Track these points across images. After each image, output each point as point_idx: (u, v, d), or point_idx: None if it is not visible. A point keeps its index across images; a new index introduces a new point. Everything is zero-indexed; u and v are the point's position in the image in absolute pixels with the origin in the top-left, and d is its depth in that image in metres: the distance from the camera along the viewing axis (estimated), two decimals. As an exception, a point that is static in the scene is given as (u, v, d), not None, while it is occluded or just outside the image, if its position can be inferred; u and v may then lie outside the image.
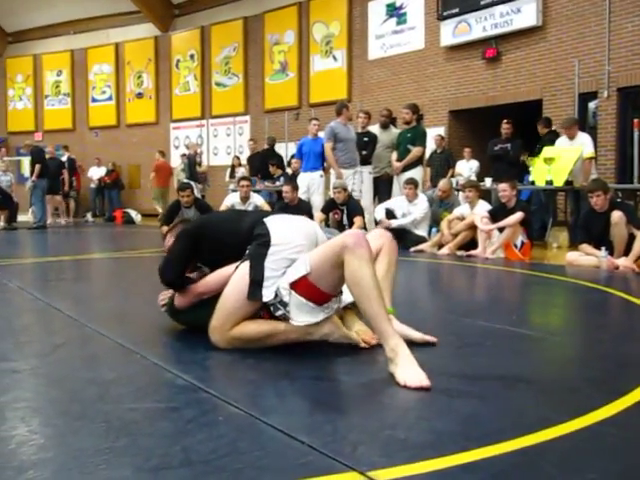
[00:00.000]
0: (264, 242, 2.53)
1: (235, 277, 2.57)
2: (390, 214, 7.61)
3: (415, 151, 8.23)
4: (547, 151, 7.86)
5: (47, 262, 6.65)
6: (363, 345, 2.60)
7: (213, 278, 2.72)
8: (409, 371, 2.11)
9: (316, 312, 2.44)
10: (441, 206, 7.67)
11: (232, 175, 12.97)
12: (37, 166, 11.69)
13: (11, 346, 2.78)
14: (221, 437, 1.66)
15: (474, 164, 9.60)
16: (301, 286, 2.39)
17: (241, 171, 12.80)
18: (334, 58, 13.69)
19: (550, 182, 7.60)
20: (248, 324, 2.56)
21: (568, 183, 7.67)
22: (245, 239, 2.65)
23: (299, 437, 1.64)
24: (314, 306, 2.42)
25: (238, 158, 13.50)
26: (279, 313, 2.47)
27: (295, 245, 2.53)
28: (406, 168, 8.27)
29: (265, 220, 2.65)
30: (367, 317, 2.30)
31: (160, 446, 1.60)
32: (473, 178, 9.30)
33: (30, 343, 2.87)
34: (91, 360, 2.55)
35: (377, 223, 7.81)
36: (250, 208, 8.14)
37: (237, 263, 2.62)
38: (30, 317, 3.57)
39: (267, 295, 2.46)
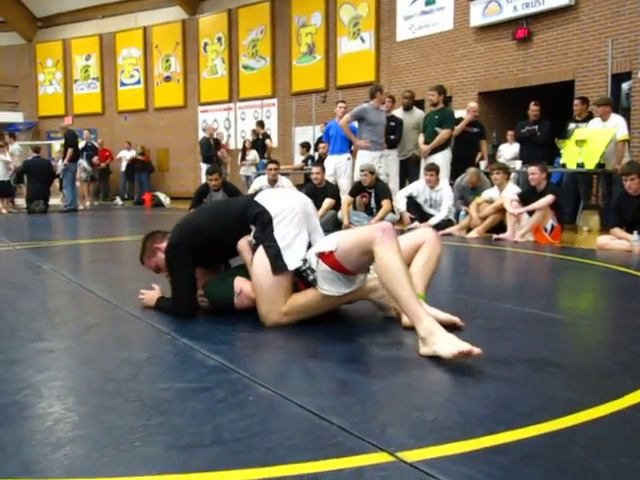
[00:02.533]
0: (266, 219, 2.67)
1: (257, 262, 2.68)
2: (412, 202, 7.54)
3: (443, 133, 8.15)
4: (579, 133, 7.73)
5: (78, 245, 6.76)
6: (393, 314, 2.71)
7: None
8: (452, 342, 2.12)
9: (340, 282, 2.55)
10: (472, 193, 7.58)
11: (243, 158, 13.09)
12: (69, 150, 11.83)
13: (46, 326, 2.85)
14: (251, 417, 1.69)
15: (517, 147, 9.47)
16: (327, 259, 2.51)
17: (252, 154, 12.89)
18: (362, 40, 13.57)
19: (582, 165, 7.48)
20: (297, 297, 2.66)
21: (600, 166, 7.54)
22: (238, 225, 2.79)
23: (328, 417, 1.65)
24: (338, 275, 2.53)
25: (249, 141, 13.56)
26: (311, 278, 2.60)
27: (292, 209, 2.70)
28: (433, 151, 8.19)
29: (256, 199, 2.78)
30: (397, 301, 2.36)
31: (192, 425, 1.63)
32: (501, 161, 9.18)
33: (64, 324, 2.93)
34: (124, 340, 2.60)
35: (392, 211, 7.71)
36: (278, 191, 8.16)
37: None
38: (63, 298, 3.64)
39: (291, 263, 2.61)
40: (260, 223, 2.69)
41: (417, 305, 2.28)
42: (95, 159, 15.15)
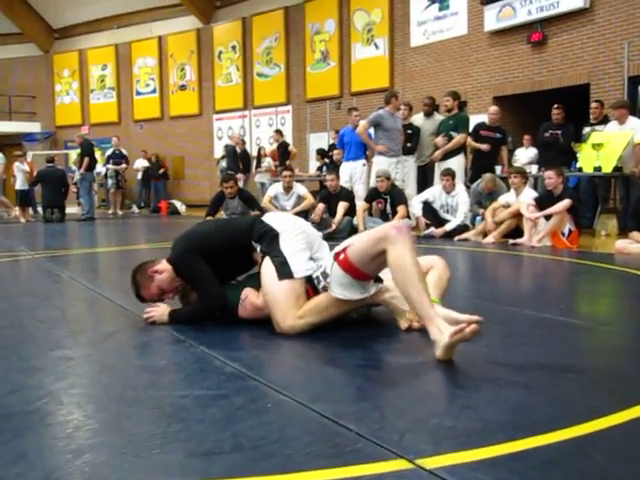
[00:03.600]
0: (272, 236, 2.78)
1: (264, 271, 2.73)
2: (428, 208, 7.52)
3: (459, 138, 8.13)
4: (596, 136, 7.68)
5: (96, 253, 6.82)
6: (404, 327, 2.70)
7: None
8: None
9: (354, 288, 2.55)
10: (488, 199, 7.55)
11: (258, 165, 13.18)
12: (86, 159, 11.96)
13: (65, 334, 2.88)
14: (270, 424, 1.69)
15: (533, 151, 9.42)
16: (343, 262, 2.52)
17: (267, 161, 13.02)
18: (375, 46, 13.59)
19: (599, 168, 7.43)
20: (310, 303, 2.67)
21: (617, 169, 7.48)
22: (242, 238, 2.87)
23: (347, 424, 1.66)
24: (352, 280, 2.53)
25: (263, 149, 13.63)
26: (322, 285, 2.62)
27: (296, 228, 2.83)
28: (447, 156, 8.17)
29: (263, 218, 2.91)
30: (410, 302, 2.37)
31: (211, 432, 1.64)
32: (518, 165, 9.13)
33: (83, 331, 2.96)
34: (142, 348, 2.62)
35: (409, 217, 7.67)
36: (293, 198, 8.19)
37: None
38: (82, 306, 3.68)
39: (297, 271, 2.66)
40: (267, 239, 2.79)
41: (429, 307, 2.28)
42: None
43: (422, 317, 2.31)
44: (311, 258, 2.78)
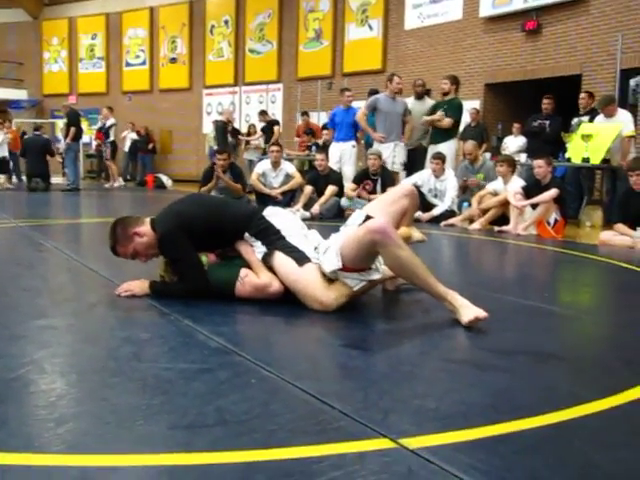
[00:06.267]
0: (275, 232, 2.85)
1: (281, 262, 2.76)
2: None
3: (444, 122, 8.06)
4: (585, 128, 7.70)
5: (80, 223, 6.76)
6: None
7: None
8: (467, 311, 2.48)
9: (365, 275, 2.68)
10: (473, 171, 7.55)
11: (247, 142, 13.12)
12: (72, 129, 11.79)
13: (48, 303, 2.86)
14: (254, 399, 1.69)
15: (522, 140, 9.42)
16: (342, 270, 2.64)
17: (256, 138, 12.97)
18: (369, 27, 13.50)
19: (587, 159, 7.45)
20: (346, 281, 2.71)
21: (605, 161, 7.51)
22: (237, 227, 2.90)
23: (330, 402, 1.66)
24: (361, 274, 2.67)
25: (254, 126, 13.55)
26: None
27: (297, 224, 2.99)
28: (439, 140, 8.13)
29: (263, 213, 2.95)
30: (422, 289, 2.63)
31: (195, 405, 1.64)
32: (507, 153, 9.14)
33: (67, 301, 2.94)
34: (125, 320, 2.60)
35: None
36: (281, 175, 8.13)
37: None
38: (66, 276, 3.65)
39: (312, 257, 2.75)
40: (270, 235, 2.84)
41: (438, 287, 2.55)
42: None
43: (435, 296, 2.58)
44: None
